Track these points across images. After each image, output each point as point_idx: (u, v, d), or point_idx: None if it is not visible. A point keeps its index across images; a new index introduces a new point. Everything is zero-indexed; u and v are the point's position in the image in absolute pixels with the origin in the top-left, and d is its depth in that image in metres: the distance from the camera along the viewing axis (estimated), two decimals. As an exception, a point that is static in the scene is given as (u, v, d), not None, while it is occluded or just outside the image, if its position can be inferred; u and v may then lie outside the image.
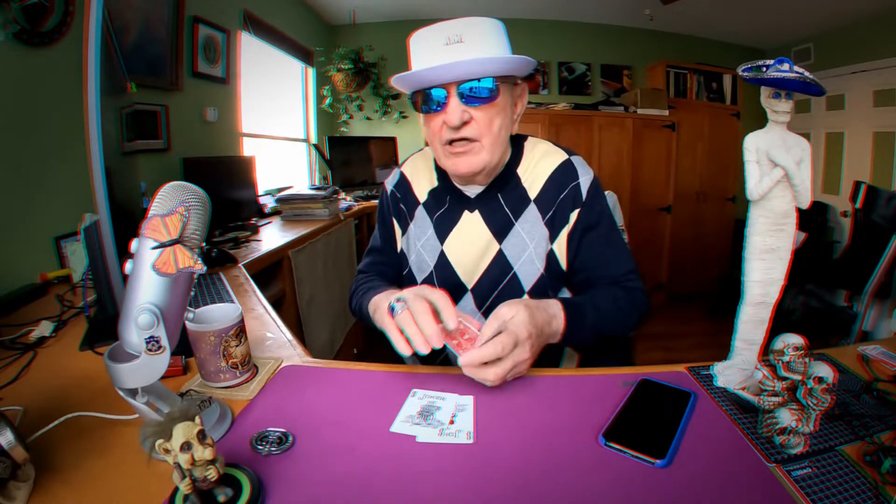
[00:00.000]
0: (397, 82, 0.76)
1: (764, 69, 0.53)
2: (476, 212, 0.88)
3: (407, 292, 0.66)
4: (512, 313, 0.63)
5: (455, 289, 0.88)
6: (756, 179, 0.56)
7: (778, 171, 0.55)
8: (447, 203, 0.91)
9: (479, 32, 0.73)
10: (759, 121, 0.55)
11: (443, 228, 0.90)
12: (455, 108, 0.74)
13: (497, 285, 0.85)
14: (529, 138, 0.92)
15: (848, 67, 3.27)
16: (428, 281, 0.90)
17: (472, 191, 0.88)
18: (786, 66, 0.51)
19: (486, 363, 0.60)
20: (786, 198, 0.56)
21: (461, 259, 0.88)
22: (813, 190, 0.55)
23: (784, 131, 0.55)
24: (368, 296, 0.82)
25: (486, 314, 0.87)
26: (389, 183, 1.00)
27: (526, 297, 0.83)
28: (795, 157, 0.54)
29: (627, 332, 0.82)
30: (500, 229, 0.86)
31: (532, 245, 0.84)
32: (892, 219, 2.12)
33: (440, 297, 0.64)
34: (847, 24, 3.24)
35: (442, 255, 0.89)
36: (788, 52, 3.72)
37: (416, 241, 0.93)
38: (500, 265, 0.85)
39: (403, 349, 0.62)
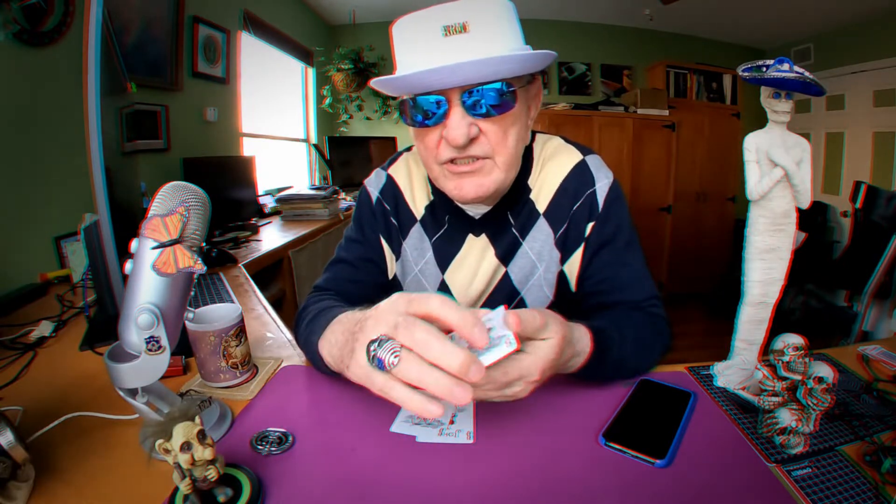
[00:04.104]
0: (379, 85, 0.59)
1: (764, 69, 0.53)
2: (482, 235, 0.75)
3: (383, 318, 0.42)
4: (548, 338, 0.47)
5: None
6: (756, 179, 0.56)
7: (778, 171, 0.55)
8: (446, 224, 0.77)
9: (488, 18, 0.56)
10: (759, 121, 0.55)
11: (443, 255, 0.78)
12: (459, 123, 0.58)
13: None
14: (538, 136, 0.78)
15: (848, 67, 3.28)
16: None
17: (476, 210, 0.74)
18: (786, 66, 0.51)
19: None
20: (786, 198, 0.56)
21: (465, 288, 0.77)
22: (813, 190, 0.55)
23: (784, 131, 0.55)
24: (318, 323, 0.57)
25: None
26: (373, 186, 0.82)
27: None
28: (795, 157, 0.54)
29: (646, 371, 0.66)
30: (507, 251, 0.74)
31: (542, 268, 0.74)
32: (892, 219, 2.12)
33: (440, 303, 0.40)
34: (847, 24, 3.24)
35: (443, 285, 0.78)
36: (788, 52, 3.73)
37: (414, 266, 0.80)
38: (505, 290, 0.76)
39: (430, 410, 0.38)
